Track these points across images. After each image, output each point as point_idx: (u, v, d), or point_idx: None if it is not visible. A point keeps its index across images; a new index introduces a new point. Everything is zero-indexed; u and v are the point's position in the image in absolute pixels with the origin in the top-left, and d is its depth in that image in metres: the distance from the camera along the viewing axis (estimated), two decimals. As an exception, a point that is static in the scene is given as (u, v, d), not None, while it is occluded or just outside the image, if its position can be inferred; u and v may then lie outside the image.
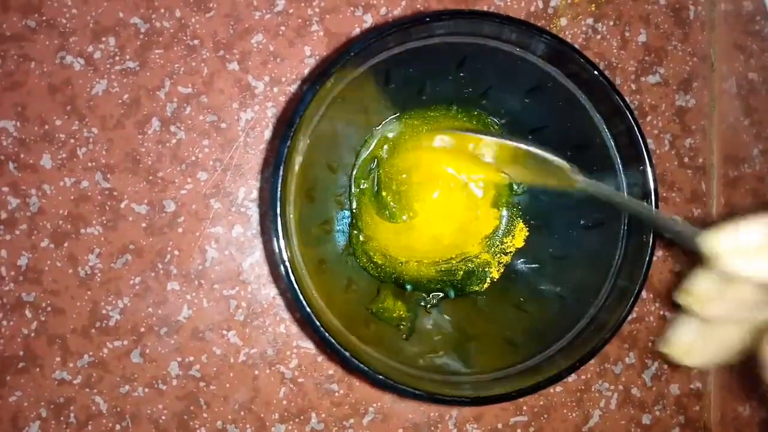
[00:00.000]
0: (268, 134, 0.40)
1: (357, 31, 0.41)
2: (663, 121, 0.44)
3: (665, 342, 0.27)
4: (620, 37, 0.44)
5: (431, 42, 0.32)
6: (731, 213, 0.45)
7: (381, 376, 0.30)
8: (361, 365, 0.29)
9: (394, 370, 0.32)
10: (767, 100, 0.45)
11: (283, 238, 0.29)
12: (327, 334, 0.29)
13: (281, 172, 0.28)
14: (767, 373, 0.24)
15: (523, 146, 0.34)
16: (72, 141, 0.39)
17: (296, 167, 0.31)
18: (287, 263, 0.29)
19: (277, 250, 0.29)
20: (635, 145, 0.32)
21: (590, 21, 0.43)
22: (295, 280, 0.29)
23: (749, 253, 0.22)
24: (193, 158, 0.40)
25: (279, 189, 0.29)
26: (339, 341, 0.30)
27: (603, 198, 0.32)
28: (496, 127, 0.39)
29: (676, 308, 0.26)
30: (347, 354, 0.29)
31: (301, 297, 0.29)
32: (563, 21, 0.43)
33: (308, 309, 0.29)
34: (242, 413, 0.40)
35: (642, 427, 0.43)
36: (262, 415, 0.40)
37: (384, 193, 0.38)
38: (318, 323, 0.29)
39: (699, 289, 0.24)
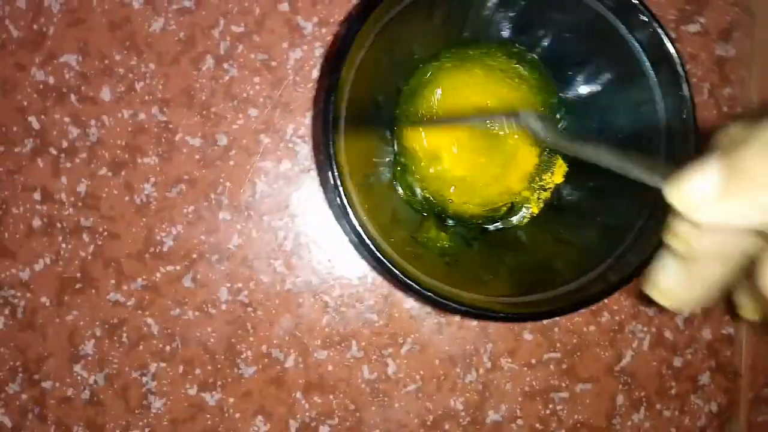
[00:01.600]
0: (315, 73, 0.43)
1: (404, -25, 0.43)
2: (702, 70, 0.45)
3: (648, 284, 0.26)
4: (662, -13, 0.45)
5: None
6: None
7: (430, 293, 0.32)
8: (413, 282, 0.32)
9: (439, 289, 0.34)
10: (808, 53, 0.46)
11: (335, 165, 0.31)
12: (379, 254, 0.32)
13: (332, 99, 0.31)
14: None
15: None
16: (130, 75, 0.42)
17: (345, 97, 0.33)
18: (340, 188, 0.31)
19: (332, 182, 0.31)
20: (674, 70, 0.33)
21: (632, -29, 0.45)
22: (348, 204, 0.31)
23: (706, 202, 0.21)
24: (245, 95, 0.42)
25: (331, 115, 0.31)
26: (391, 261, 0.32)
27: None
28: (533, 68, 0.41)
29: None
30: (398, 272, 0.32)
31: (354, 219, 0.31)
32: (605, -30, 0.44)
33: (360, 230, 0.31)
34: (287, 338, 0.42)
35: (673, 369, 0.45)
36: (305, 341, 0.42)
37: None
38: (371, 243, 0.31)
39: (681, 228, 0.24)
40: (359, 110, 0.37)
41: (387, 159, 0.41)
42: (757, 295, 0.25)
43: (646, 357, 0.45)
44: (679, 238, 0.24)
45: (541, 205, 0.41)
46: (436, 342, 0.43)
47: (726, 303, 0.45)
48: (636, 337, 0.45)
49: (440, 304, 0.32)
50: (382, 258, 0.32)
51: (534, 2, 0.36)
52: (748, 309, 0.28)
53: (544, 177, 0.41)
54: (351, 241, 0.42)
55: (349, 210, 0.32)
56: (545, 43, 0.39)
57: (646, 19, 0.33)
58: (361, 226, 0.32)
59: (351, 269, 0.43)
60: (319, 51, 0.43)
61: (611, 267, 0.35)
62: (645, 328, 0.45)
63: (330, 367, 0.43)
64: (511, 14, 0.38)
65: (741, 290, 0.28)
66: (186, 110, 0.42)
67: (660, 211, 0.35)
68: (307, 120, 0.43)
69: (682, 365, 0.45)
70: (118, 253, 0.42)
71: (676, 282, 0.25)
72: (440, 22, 0.37)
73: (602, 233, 0.37)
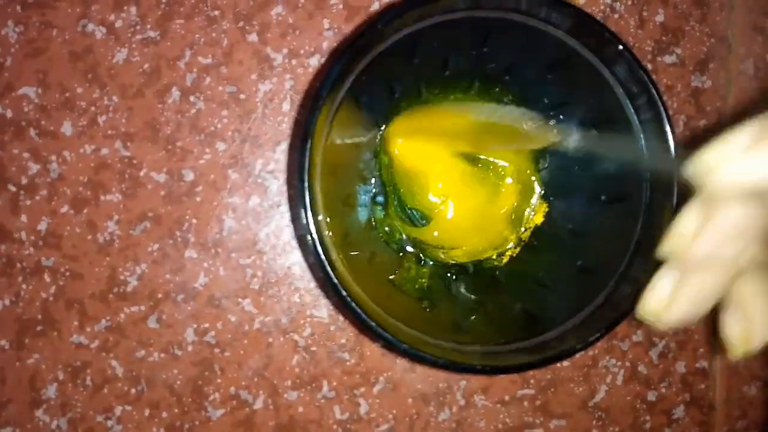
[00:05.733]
0: (285, 106, 0.42)
1: (376, 4, 0.43)
2: (678, 101, 0.46)
3: (641, 305, 0.26)
4: (638, 16, 0.45)
5: (456, 16, 0.34)
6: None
7: (405, 345, 0.32)
8: (386, 334, 0.32)
9: (412, 338, 0.34)
10: (784, 82, 0.47)
11: (310, 210, 0.31)
12: (353, 304, 0.31)
13: (308, 144, 0.30)
14: (726, 316, 0.25)
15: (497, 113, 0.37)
16: (92, 109, 0.41)
17: (322, 141, 0.33)
18: (314, 235, 0.31)
19: (304, 221, 0.31)
20: (658, 117, 0.34)
21: (608, 0, 0.45)
22: (322, 250, 0.31)
23: (737, 156, 0.22)
24: (212, 128, 0.42)
25: (306, 161, 0.31)
26: (364, 310, 0.32)
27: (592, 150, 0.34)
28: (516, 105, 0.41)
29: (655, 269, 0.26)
30: (372, 324, 0.31)
31: (328, 267, 0.31)
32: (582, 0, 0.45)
33: (335, 279, 0.31)
34: (256, 380, 0.42)
35: (647, 404, 0.46)
36: (275, 382, 0.42)
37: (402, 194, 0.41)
38: (344, 292, 0.31)
39: (682, 229, 0.24)
40: (337, 149, 0.37)
41: (366, 199, 0.41)
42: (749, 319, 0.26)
43: (620, 391, 0.46)
44: (677, 241, 0.24)
45: (521, 246, 0.41)
46: (409, 380, 0.43)
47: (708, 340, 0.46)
48: (610, 372, 0.45)
49: (411, 355, 0.32)
50: (353, 305, 0.32)
51: (514, 43, 0.36)
52: (737, 339, 0.27)
53: (524, 217, 0.41)
54: (317, 279, 0.42)
55: (319, 250, 0.31)
56: (528, 80, 0.39)
57: (629, 63, 0.34)
58: (332, 268, 0.32)
59: (322, 307, 0.43)
60: (289, 83, 0.42)
61: (589, 317, 0.35)
62: (619, 363, 0.45)
63: (300, 408, 0.42)
64: (493, 55, 0.38)
65: (729, 318, 0.27)
66: (151, 145, 0.41)
67: (640, 257, 0.35)
68: (277, 154, 0.42)
69: (657, 399, 0.46)
70: (80, 294, 0.41)
71: (668, 297, 0.26)
72: (421, 62, 0.37)
73: (581, 278, 0.38)
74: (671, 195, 0.34)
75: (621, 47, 0.34)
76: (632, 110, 0.35)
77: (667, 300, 0.26)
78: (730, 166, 0.22)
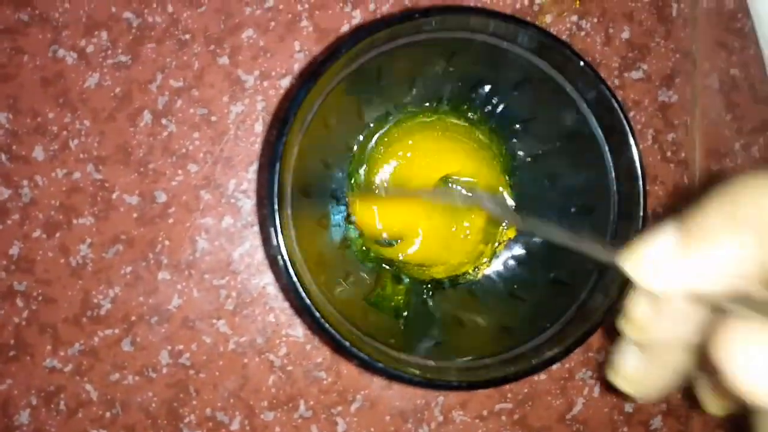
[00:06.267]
0: (258, 127, 0.43)
1: (346, 26, 0.43)
2: (646, 116, 0.46)
3: (611, 371, 0.26)
4: (604, 33, 0.46)
5: (420, 38, 0.35)
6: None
7: (380, 364, 0.32)
8: (362, 354, 0.32)
9: (389, 357, 0.34)
10: (749, 95, 0.48)
11: (281, 234, 0.31)
12: (327, 325, 0.31)
13: (277, 169, 0.31)
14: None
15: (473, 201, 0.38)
16: (64, 133, 0.41)
17: (291, 164, 0.33)
18: (286, 258, 0.31)
19: (275, 243, 0.31)
20: (621, 131, 0.34)
21: (575, 18, 0.46)
22: (295, 274, 0.31)
23: (662, 267, 0.21)
24: (184, 150, 0.42)
25: (276, 186, 0.31)
26: (338, 331, 0.32)
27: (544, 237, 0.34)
28: (483, 126, 0.41)
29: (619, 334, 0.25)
30: (347, 344, 0.32)
31: (300, 289, 0.31)
32: (548, 18, 0.45)
33: (308, 301, 0.31)
34: (231, 401, 0.42)
35: (624, 415, 0.46)
36: (251, 403, 0.42)
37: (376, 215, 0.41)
38: (317, 314, 0.31)
39: (636, 314, 0.23)
40: (308, 171, 0.37)
41: (339, 219, 0.41)
42: (718, 386, 0.25)
43: (598, 403, 0.46)
44: (635, 325, 0.24)
45: (495, 260, 0.42)
46: (386, 397, 0.43)
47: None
48: (586, 384, 0.46)
49: (389, 374, 0.32)
50: (327, 325, 0.32)
51: (480, 63, 0.37)
52: (711, 404, 0.28)
53: (497, 231, 0.42)
54: (290, 300, 0.42)
55: (291, 272, 0.32)
56: (495, 98, 0.40)
57: (591, 79, 0.34)
58: (305, 290, 0.32)
59: (297, 327, 0.43)
60: (261, 105, 0.43)
61: (563, 328, 0.35)
62: (595, 375, 0.46)
63: (277, 429, 0.42)
64: (459, 75, 0.38)
65: (701, 384, 0.27)
66: (123, 167, 0.42)
67: (610, 272, 0.35)
68: (250, 174, 0.42)
69: (634, 410, 0.46)
70: (53, 318, 0.41)
71: (638, 370, 0.25)
72: (389, 82, 0.38)
73: (554, 290, 0.38)
74: (638, 207, 0.35)
75: (582, 63, 0.34)
76: (597, 125, 0.36)
77: (637, 371, 0.25)
78: (662, 275, 0.21)
